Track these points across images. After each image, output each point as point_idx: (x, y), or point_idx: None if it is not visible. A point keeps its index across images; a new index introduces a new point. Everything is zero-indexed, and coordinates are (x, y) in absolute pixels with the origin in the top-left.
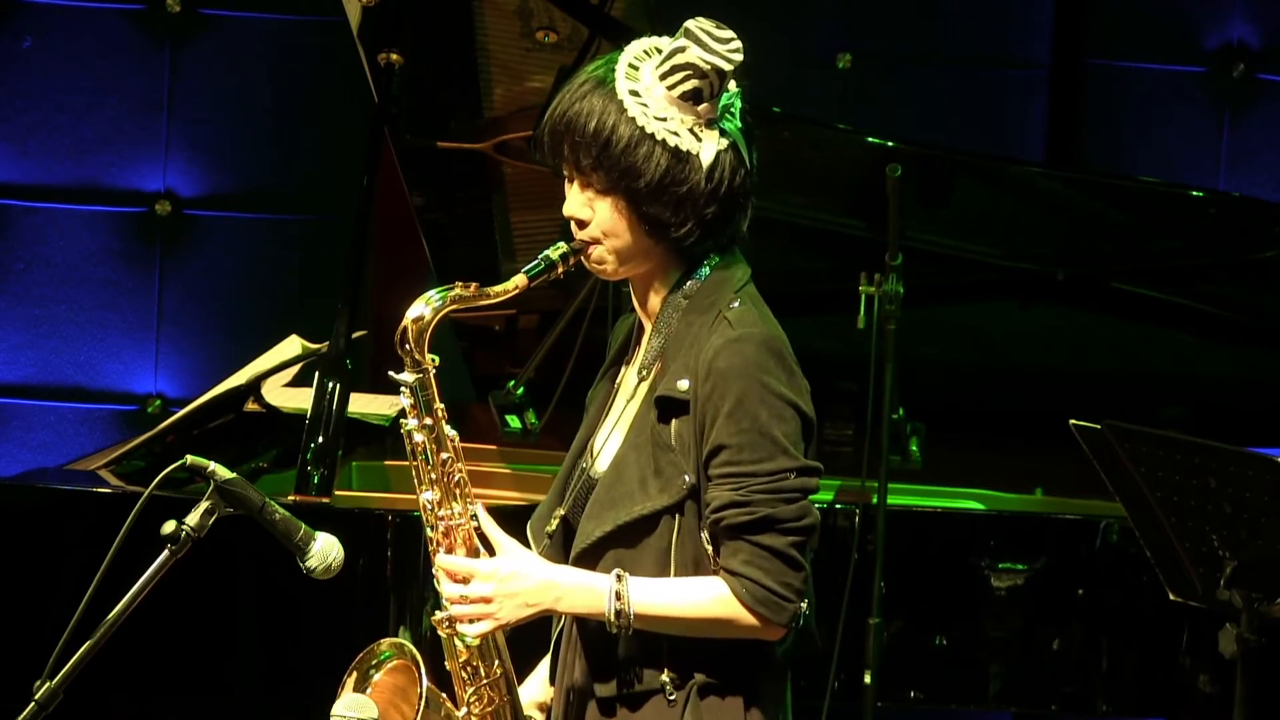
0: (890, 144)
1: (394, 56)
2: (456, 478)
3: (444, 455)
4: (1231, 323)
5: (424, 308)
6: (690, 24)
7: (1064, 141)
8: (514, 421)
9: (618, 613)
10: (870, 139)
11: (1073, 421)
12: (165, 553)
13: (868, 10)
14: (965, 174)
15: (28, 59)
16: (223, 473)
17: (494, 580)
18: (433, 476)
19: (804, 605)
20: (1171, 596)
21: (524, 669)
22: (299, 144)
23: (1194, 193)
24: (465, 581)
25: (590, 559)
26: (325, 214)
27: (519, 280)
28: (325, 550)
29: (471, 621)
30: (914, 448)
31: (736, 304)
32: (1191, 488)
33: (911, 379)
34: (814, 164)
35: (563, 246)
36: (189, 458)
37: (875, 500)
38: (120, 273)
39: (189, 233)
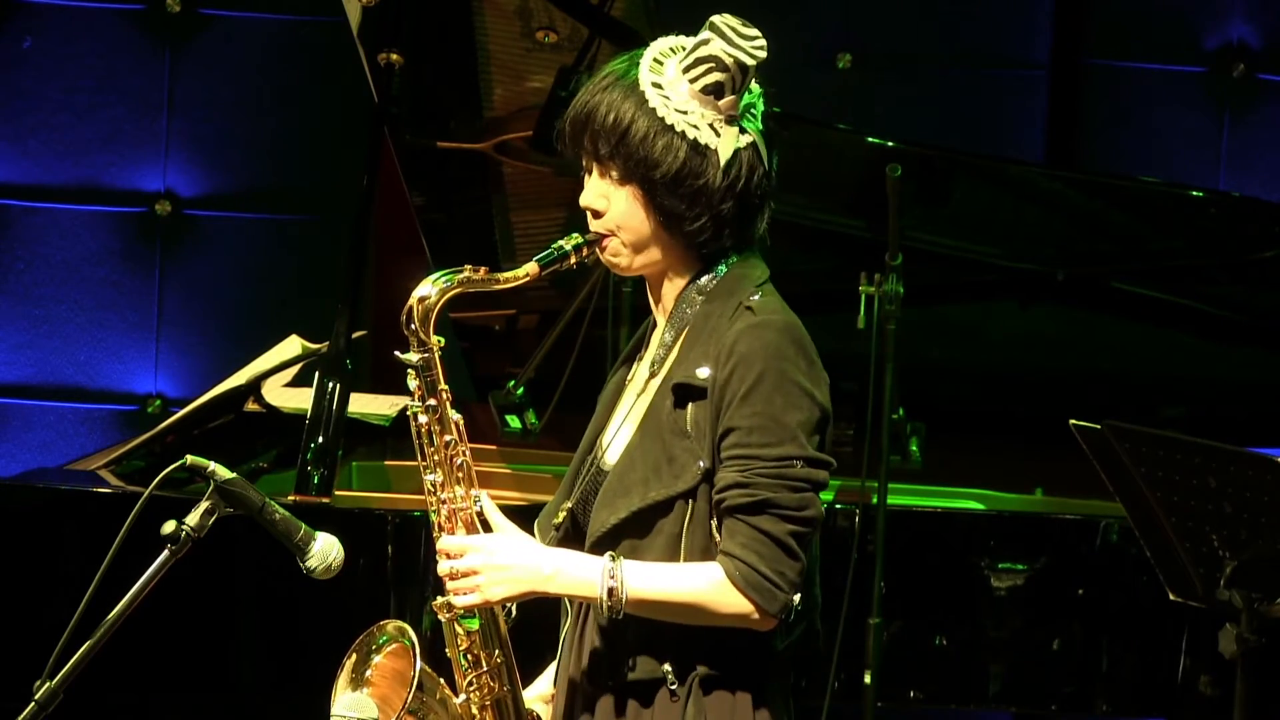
0: (890, 144)
1: (394, 56)
2: (460, 460)
3: (447, 438)
4: (1231, 323)
5: (430, 288)
6: (716, 19)
7: (1064, 141)
8: (514, 421)
9: (610, 592)
10: (870, 139)
11: (1073, 421)
12: (165, 553)
13: (868, 10)
14: (965, 174)
15: (28, 59)
16: (223, 473)
17: (484, 553)
18: (436, 459)
19: (796, 598)
20: (1171, 596)
21: (533, 669)
22: (299, 144)
23: (1194, 193)
24: (459, 558)
25: (606, 546)
26: (325, 214)
27: (530, 268)
28: (325, 550)
29: (461, 595)
30: (914, 448)
31: (758, 295)
32: (1191, 488)
33: (911, 379)
34: (814, 164)
35: (576, 237)
36: (189, 458)
37: (875, 500)
38: (120, 273)
39: (189, 233)
